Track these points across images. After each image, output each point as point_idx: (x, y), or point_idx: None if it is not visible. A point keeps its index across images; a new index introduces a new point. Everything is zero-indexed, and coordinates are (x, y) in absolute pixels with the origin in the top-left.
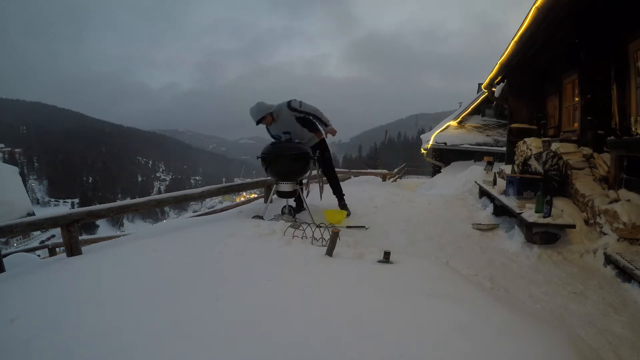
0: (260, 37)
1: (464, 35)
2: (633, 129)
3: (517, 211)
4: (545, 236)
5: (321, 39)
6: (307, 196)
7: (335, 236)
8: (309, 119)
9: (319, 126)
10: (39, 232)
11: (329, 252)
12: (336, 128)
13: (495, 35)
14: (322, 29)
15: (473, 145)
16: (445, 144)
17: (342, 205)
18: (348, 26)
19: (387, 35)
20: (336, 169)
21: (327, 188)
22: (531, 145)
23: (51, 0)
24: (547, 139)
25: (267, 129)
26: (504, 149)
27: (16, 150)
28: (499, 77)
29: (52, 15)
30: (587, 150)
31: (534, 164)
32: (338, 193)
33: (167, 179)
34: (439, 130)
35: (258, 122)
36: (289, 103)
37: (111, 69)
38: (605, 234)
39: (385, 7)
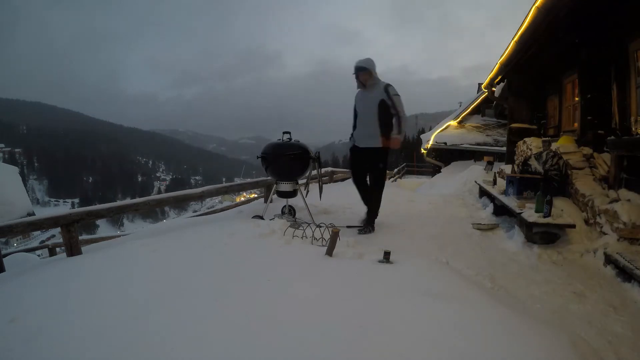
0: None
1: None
2: (633, 129)
3: (517, 211)
4: (545, 236)
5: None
6: (307, 196)
7: (335, 236)
8: (389, 115)
9: (393, 130)
10: (39, 232)
11: (329, 252)
12: (401, 138)
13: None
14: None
15: (473, 145)
16: (445, 143)
17: (367, 223)
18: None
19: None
20: (336, 169)
21: (327, 188)
22: (531, 145)
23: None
24: (547, 138)
25: (356, 99)
26: (504, 148)
27: (16, 150)
28: (499, 77)
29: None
30: (587, 150)
31: (534, 163)
32: (373, 212)
33: (167, 179)
34: (439, 130)
35: (357, 72)
36: (387, 84)
37: (136, 89)
38: (605, 234)
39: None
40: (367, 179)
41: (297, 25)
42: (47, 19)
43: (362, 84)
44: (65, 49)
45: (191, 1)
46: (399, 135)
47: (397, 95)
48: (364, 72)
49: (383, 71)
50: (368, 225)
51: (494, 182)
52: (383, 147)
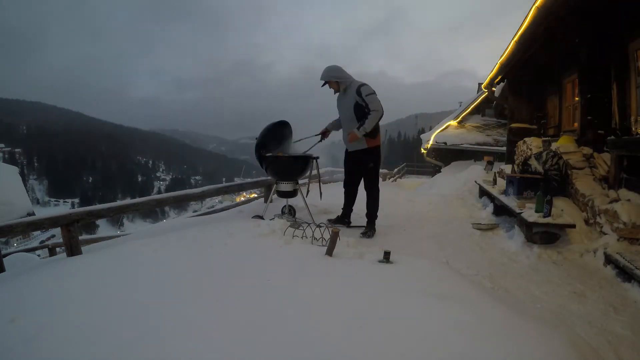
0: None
1: None
2: (633, 129)
3: (517, 211)
4: (545, 236)
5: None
6: (307, 196)
7: (335, 236)
8: (366, 115)
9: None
10: (39, 232)
11: (329, 252)
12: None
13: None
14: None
15: (473, 145)
16: (445, 143)
17: (368, 228)
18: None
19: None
20: (336, 169)
21: (327, 187)
22: (531, 144)
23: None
24: (547, 138)
25: (337, 104)
26: (504, 148)
27: (16, 150)
28: (499, 77)
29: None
30: (587, 150)
31: (534, 163)
32: (373, 214)
33: (167, 179)
34: (439, 130)
35: (324, 84)
36: (360, 85)
37: (139, 94)
38: (605, 234)
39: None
40: (362, 181)
41: (283, 40)
42: (70, 50)
43: (335, 91)
44: (76, 63)
45: (193, 26)
46: (357, 131)
47: (371, 94)
48: (331, 84)
49: (359, 72)
50: (370, 228)
51: (494, 182)
52: (370, 147)
